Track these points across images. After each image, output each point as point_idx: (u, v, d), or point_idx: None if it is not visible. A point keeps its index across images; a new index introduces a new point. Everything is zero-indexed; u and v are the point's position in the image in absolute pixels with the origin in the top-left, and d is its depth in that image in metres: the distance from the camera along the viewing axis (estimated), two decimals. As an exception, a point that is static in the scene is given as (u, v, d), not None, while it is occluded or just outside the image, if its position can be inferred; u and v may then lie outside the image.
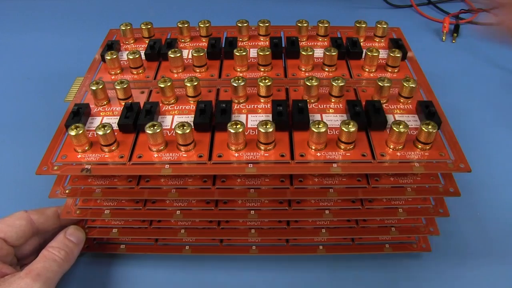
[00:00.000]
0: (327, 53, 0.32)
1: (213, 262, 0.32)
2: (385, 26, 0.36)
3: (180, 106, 0.29)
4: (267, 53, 0.32)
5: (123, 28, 0.36)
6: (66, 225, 0.30)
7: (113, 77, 0.32)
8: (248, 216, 0.29)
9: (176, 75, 0.33)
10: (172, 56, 0.32)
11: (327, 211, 0.29)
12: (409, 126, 0.25)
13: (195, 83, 0.29)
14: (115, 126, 0.27)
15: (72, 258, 0.27)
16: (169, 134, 0.27)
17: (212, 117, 0.27)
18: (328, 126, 0.25)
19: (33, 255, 0.29)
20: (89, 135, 0.27)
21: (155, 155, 0.25)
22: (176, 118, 0.28)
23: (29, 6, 0.66)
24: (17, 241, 0.27)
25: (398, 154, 0.25)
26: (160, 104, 0.29)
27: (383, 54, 0.34)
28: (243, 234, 0.31)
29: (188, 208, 0.29)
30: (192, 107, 0.29)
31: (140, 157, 0.25)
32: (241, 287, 0.30)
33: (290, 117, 0.27)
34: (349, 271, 0.31)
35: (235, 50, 0.32)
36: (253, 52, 0.35)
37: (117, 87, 0.29)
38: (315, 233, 0.30)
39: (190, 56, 0.34)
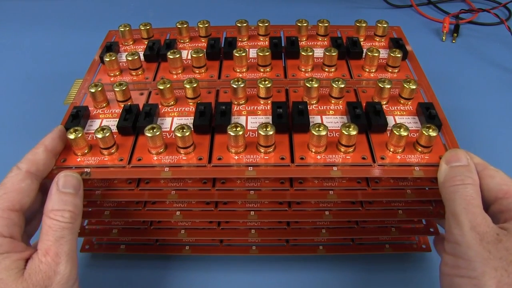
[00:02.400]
0: (327, 53, 0.32)
1: (213, 262, 0.32)
2: (385, 25, 0.36)
3: (180, 108, 0.29)
4: (267, 53, 0.32)
5: (122, 29, 0.36)
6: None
7: (112, 79, 0.32)
8: (248, 217, 0.29)
9: (175, 76, 0.32)
10: (171, 57, 0.32)
11: (327, 212, 0.29)
12: (410, 128, 0.25)
13: (194, 85, 0.29)
14: (114, 129, 0.27)
15: (78, 212, 0.23)
16: (168, 137, 0.27)
17: (212, 119, 0.27)
18: (328, 128, 0.25)
19: (38, 210, 0.26)
20: (89, 138, 0.27)
21: (155, 158, 0.25)
22: (175, 120, 0.28)
23: (29, 7, 0.66)
24: (30, 205, 0.23)
25: (398, 157, 0.25)
26: (160, 106, 0.29)
27: (383, 53, 0.34)
28: (243, 235, 0.31)
29: (188, 209, 0.29)
30: (192, 108, 0.29)
31: (139, 160, 0.25)
32: (241, 287, 0.31)
33: (290, 119, 0.27)
34: (349, 271, 0.31)
35: (234, 51, 0.32)
36: (252, 52, 0.35)
37: (116, 89, 0.29)
38: (315, 233, 0.30)
39: (189, 57, 0.34)
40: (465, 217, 0.21)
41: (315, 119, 0.28)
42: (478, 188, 0.22)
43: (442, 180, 0.23)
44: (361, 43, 0.36)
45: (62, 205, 0.22)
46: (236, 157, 0.25)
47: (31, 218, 0.26)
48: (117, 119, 0.27)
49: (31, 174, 0.23)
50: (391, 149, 0.25)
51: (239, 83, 0.28)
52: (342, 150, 0.25)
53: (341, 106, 0.29)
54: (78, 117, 0.28)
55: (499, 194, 0.22)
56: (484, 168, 0.23)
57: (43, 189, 0.26)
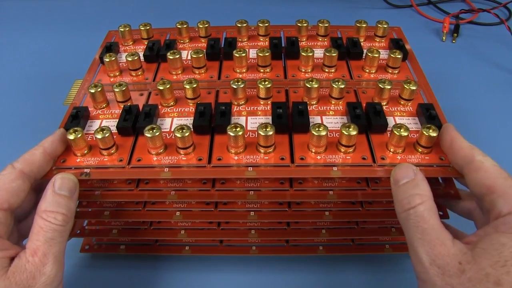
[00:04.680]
0: (327, 54, 0.32)
1: (213, 262, 0.32)
2: (385, 26, 0.36)
3: (179, 108, 0.29)
4: (267, 54, 0.32)
5: (122, 29, 0.36)
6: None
7: (112, 79, 0.32)
8: (248, 217, 0.29)
9: (175, 77, 0.32)
10: (171, 57, 0.32)
11: (327, 213, 0.29)
12: (410, 129, 0.25)
13: (194, 85, 0.29)
14: (114, 129, 0.27)
15: (71, 216, 0.23)
16: (168, 137, 0.27)
17: (212, 120, 0.27)
18: (328, 128, 0.25)
19: (31, 211, 0.26)
20: (88, 139, 0.27)
21: (154, 158, 0.25)
22: (175, 121, 0.28)
23: (29, 7, 0.66)
24: (20, 206, 0.24)
25: (399, 157, 0.25)
26: (159, 106, 0.29)
27: (383, 54, 0.34)
28: (243, 235, 0.31)
29: (188, 210, 0.29)
30: (191, 109, 0.29)
31: (139, 160, 0.25)
32: (241, 287, 0.31)
33: (290, 119, 0.27)
34: (349, 271, 0.31)
35: (234, 51, 0.32)
36: (252, 53, 0.35)
37: (115, 89, 0.29)
38: (315, 234, 0.30)
39: (189, 58, 0.34)
40: (422, 250, 0.20)
41: (315, 119, 0.28)
42: (430, 202, 0.21)
43: (395, 206, 0.22)
44: (361, 43, 0.36)
45: (55, 207, 0.22)
46: (236, 158, 0.25)
47: (24, 217, 0.26)
48: (117, 120, 0.27)
49: (24, 175, 0.23)
50: (392, 150, 0.25)
51: (239, 83, 0.28)
52: (342, 150, 0.25)
53: (341, 107, 0.29)
54: (78, 117, 0.28)
55: (483, 190, 0.21)
56: (469, 162, 0.22)
57: (39, 189, 0.26)
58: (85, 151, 0.26)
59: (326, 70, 0.32)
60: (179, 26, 0.36)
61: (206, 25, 0.37)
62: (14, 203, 0.23)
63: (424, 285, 0.20)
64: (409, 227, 0.21)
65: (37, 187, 0.26)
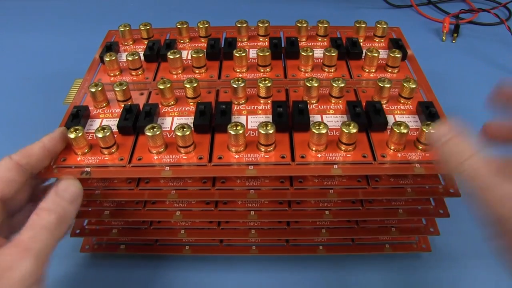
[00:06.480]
0: (327, 53, 0.32)
1: (213, 262, 0.32)
2: (384, 26, 0.36)
3: (180, 108, 0.29)
4: (267, 54, 0.32)
5: (122, 29, 0.36)
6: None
7: (112, 79, 0.32)
8: (248, 216, 0.29)
9: (175, 76, 0.32)
10: (171, 57, 0.32)
11: (327, 212, 0.29)
12: (410, 127, 0.25)
13: (195, 85, 0.29)
14: (115, 128, 0.27)
15: (66, 220, 0.23)
16: (168, 136, 0.27)
17: (212, 119, 0.27)
18: (329, 127, 0.25)
19: (25, 205, 0.26)
20: (89, 138, 0.27)
21: (155, 157, 0.25)
22: (175, 120, 0.28)
23: (29, 7, 0.66)
24: (12, 196, 0.24)
25: (399, 155, 0.25)
26: (160, 106, 0.29)
27: (383, 54, 0.34)
28: (243, 235, 0.31)
29: (188, 209, 0.29)
30: (192, 108, 0.29)
31: (140, 159, 0.25)
32: (241, 287, 0.30)
33: (290, 118, 0.27)
34: (349, 271, 0.31)
35: (234, 51, 0.32)
36: (252, 53, 0.35)
37: (116, 89, 0.29)
38: (315, 233, 0.30)
39: (189, 57, 0.34)
40: None
41: (315, 118, 0.28)
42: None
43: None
44: (361, 43, 0.36)
45: (52, 206, 0.22)
46: (237, 156, 0.25)
47: (17, 211, 0.26)
48: (117, 119, 0.27)
49: (20, 166, 0.24)
50: (392, 147, 0.25)
51: (239, 82, 0.29)
52: (343, 148, 0.25)
53: (341, 106, 0.29)
54: (78, 116, 0.28)
55: None
56: None
57: (38, 189, 0.26)
58: (86, 150, 0.26)
59: (326, 69, 0.33)
60: (179, 26, 0.36)
61: (206, 25, 0.37)
62: (7, 193, 0.23)
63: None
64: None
65: (36, 187, 0.26)
